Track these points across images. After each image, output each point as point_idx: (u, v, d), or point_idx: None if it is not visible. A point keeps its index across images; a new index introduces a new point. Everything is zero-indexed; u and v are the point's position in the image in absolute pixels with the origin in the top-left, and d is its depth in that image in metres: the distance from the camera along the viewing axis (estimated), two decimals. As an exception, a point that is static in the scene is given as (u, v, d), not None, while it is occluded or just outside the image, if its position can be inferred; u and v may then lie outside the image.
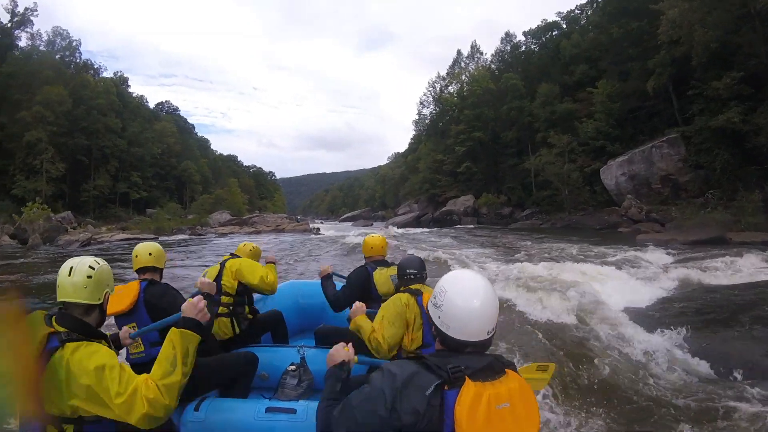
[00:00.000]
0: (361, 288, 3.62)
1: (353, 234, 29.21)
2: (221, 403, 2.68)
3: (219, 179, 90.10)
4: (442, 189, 56.02)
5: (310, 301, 4.82)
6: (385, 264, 3.79)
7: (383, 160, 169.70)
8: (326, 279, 3.87)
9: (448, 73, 66.00)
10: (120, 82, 79.23)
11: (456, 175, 55.50)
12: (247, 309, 3.86)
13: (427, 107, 72.59)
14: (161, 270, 3.11)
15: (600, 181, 35.80)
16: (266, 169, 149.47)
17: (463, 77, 60.15)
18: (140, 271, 3.00)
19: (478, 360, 1.40)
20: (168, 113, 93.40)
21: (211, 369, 2.88)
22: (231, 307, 3.68)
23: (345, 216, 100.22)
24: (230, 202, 69.04)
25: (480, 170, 52.59)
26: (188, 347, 1.86)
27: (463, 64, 64.71)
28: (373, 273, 3.67)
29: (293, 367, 3.00)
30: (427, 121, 70.87)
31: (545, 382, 2.83)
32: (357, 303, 2.99)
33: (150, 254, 3.02)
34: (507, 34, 60.57)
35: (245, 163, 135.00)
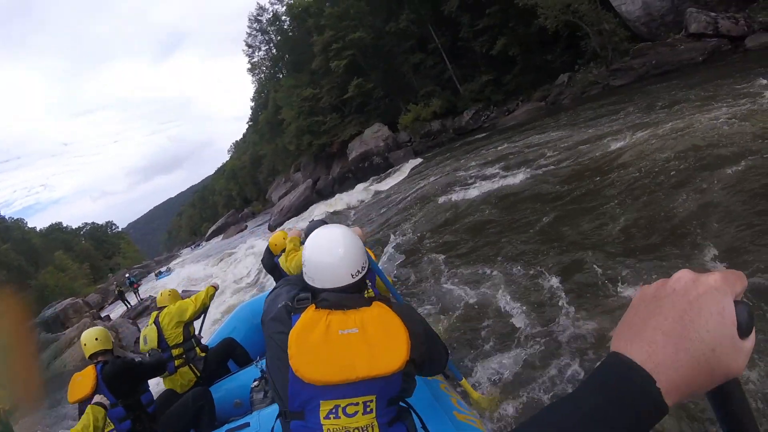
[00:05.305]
0: (273, 268, 4.13)
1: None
2: None
3: (42, 261, 66.47)
4: (329, 135, 37.75)
5: None
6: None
7: (224, 158, 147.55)
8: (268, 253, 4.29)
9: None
10: None
11: (342, 107, 37.63)
12: (198, 350, 3.92)
13: (258, 50, 52.83)
14: (111, 350, 3.21)
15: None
16: (106, 221, 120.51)
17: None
18: (92, 357, 3.12)
19: (342, 294, 1.45)
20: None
21: (170, 420, 3.16)
22: (184, 355, 3.81)
23: (210, 231, 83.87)
24: (61, 286, 44.68)
25: (377, 85, 35.22)
26: None
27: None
28: (278, 261, 3.90)
29: (256, 383, 3.08)
30: (267, 63, 51.36)
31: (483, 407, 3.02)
32: (296, 229, 3.75)
33: (96, 339, 3.16)
34: None
35: (76, 225, 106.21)
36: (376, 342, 1.31)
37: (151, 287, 30.54)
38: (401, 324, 1.37)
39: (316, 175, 39.31)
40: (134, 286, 26.75)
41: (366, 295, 1.52)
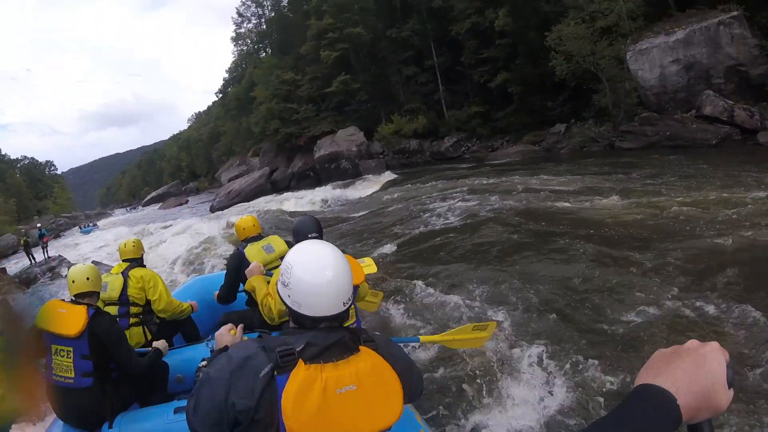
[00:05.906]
0: (238, 270, 3.43)
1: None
2: (135, 414, 2.72)
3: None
4: (300, 126, 35.14)
5: None
6: (258, 238, 3.63)
7: (182, 126, 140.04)
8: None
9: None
10: None
11: (321, 101, 35.19)
12: (155, 316, 3.78)
13: (248, 21, 49.96)
14: (99, 293, 2.91)
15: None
16: (46, 160, 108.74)
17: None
18: (79, 296, 2.76)
19: (327, 337, 1.25)
20: None
21: (124, 384, 2.88)
22: (141, 316, 3.60)
23: (149, 197, 78.07)
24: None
25: (363, 87, 33.10)
26: None
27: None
28: (244, 251, 3.52)
29: (204, 363, 2.52)
30: (253, 37, 48.43)
31: (483, 341, 3.14)
32: (254, 263, 2.98)
33: (88, 278, 2.80)
34: None
35: (15, 157, 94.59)
36: (374, 397, 1.21)
37: (65, 245, 26.55)
38: (393, 372, 1.27)
39: (275, 165, 36.45)
40: (44, 239, 22.39)
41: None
